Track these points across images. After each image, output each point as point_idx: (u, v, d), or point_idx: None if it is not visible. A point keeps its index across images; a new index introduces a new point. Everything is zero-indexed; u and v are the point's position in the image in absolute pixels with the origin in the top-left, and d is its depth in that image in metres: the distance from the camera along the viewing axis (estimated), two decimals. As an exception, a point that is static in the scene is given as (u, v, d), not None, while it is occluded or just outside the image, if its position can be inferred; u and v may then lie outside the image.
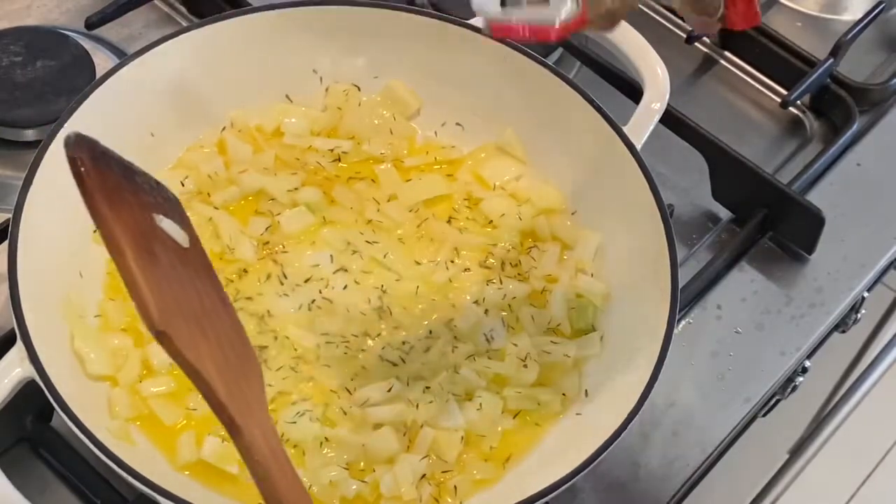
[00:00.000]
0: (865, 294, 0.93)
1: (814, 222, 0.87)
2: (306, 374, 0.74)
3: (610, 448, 0.68)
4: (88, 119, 0.74)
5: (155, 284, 0.52)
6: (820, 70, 0.96)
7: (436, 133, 0.86)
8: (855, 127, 0.96)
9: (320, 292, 0.77)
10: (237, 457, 0.55)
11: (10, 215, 0.70)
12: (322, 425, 0.72)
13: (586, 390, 0.75)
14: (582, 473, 0.67)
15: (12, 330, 0.67)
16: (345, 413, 0.73)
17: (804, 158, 0.96)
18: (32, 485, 0.72)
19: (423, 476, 0.71)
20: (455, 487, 0.71)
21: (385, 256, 0.79)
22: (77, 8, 0.95)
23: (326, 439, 0.72)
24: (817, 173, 0.94)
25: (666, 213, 0.76)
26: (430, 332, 0.77)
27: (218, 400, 0.53)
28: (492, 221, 0.82)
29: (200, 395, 0.53)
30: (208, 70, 0.81)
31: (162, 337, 0.51)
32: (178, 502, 0.63)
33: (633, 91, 0.87)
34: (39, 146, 0.73)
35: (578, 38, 0.95)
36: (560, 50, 0.97)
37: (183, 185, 0.80)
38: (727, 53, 1.03)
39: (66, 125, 0.74)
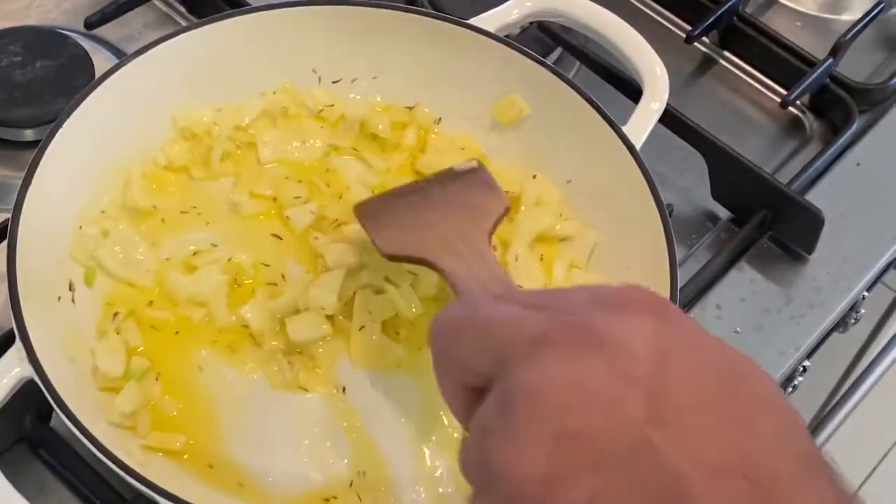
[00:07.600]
0: (865, 294, 0.93)
1: (813, 222, 0.87)
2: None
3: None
4: (87, 119, 0.74)
5: None
6: (819, 70, 0.96)
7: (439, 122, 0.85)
8: (854, 127, 0.96)
9: None
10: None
11: (9, 215, 0.70)
12: None
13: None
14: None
15: (11, 330, 0.66)
16: None
17: (804, 158, 0.95)
18: (31, 485, 0.72)
19: None
20: None
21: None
22: (76, 8, 0.95)
23: None
24: (817, 173, 0.94)
25: (665, 212, 0.76)
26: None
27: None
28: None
29: None
30: (207, 70, 0.81)
31: None
32: (178, 502, 0.63)
33: (633, 91, 0.87)
34: (38, 146, 0.73)
35: (578, 38, 0.95)
36: (559, 50, 0.97)
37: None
38: (727, 53, 1.03)
39: (65, 125, 0.73)
